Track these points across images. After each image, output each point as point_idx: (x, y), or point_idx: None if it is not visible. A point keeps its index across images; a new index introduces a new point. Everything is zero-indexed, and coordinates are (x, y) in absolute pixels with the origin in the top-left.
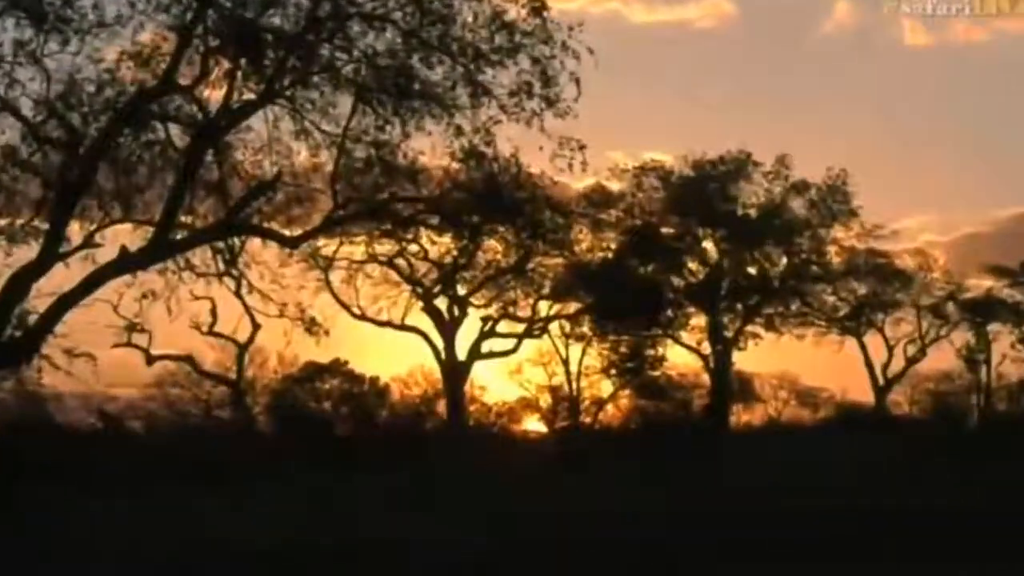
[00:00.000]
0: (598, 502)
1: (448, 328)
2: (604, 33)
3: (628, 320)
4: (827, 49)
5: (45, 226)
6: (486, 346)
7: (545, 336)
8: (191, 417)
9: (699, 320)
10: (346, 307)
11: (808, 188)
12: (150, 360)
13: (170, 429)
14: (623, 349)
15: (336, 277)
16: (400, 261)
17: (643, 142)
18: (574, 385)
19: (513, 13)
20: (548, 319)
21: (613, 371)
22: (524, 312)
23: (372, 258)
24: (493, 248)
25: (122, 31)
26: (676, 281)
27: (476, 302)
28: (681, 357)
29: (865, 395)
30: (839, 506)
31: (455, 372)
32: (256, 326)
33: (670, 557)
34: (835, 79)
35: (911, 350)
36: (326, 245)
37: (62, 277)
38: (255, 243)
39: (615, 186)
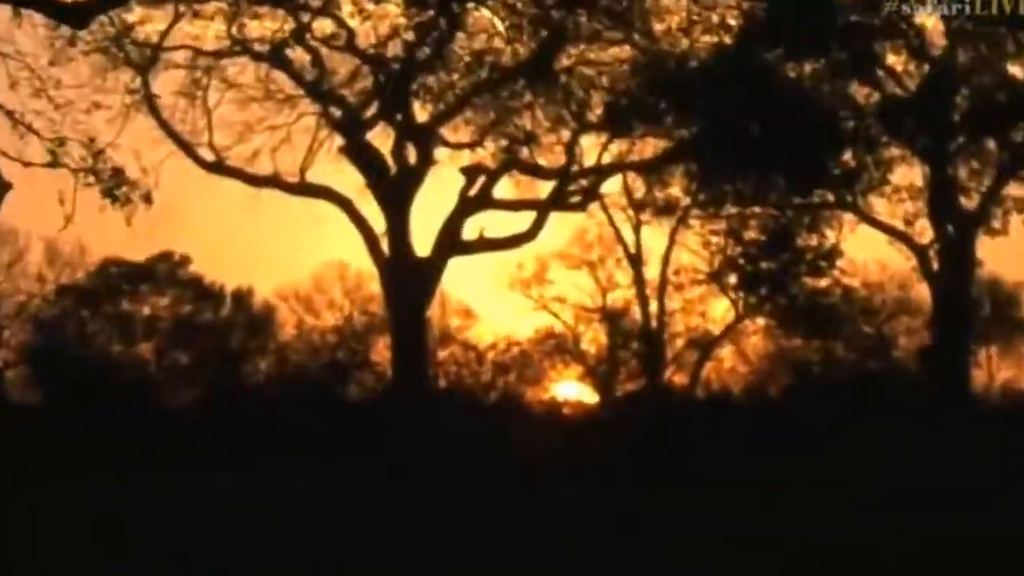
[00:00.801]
0: None
1: (394, 189)
2: None
3: (766, 175)
4: None
5: None
6: (471, 227)
7: (593, 207)
8: None
9: (910, 173)
10: (187, 147)
11: None
12: None
13: None
14: (754, 234)
15: (167, 84)
16: (295, 52)
17: None
18: (652, 308)
19: None
20: (600, 171)
21: (734, 280)
22: (549, 158)
23: (240, 46)
24: (483, 24)
25: None
26: (862, 94)
27: (452, 136)
28: (872, 249)
29: None
30: None
31: (408, 279)
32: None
33: None
34: None
35: None
36: (146, 21)
37: None
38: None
39: None
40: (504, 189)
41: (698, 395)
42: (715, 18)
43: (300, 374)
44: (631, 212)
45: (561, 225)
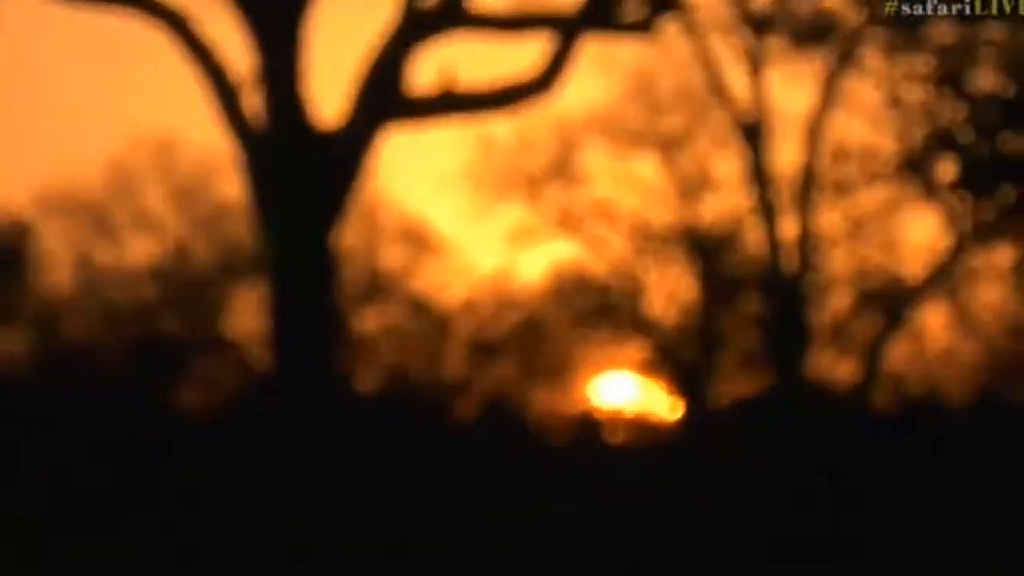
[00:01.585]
0: None
1: None
2: None
3: None
4: None
5: None
6: (428, 68)
7: (667, 27)
8: None
9: None
10: None
11: None
12: None
13: None
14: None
15: None
16: None
17: None
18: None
19: None
20: None
21: (950, 174)
22: None
23: None
24: None
25: None
26: None
27: None
28: None
29: None
30: None
31: (301, 170)
32: None
33: None
34: None
35: None
36: None
37: None
38: None
39: None
40: None
41: (878, 404)
42: None
43: (80, 358)
44: (746, 34)
45: (603, 68)
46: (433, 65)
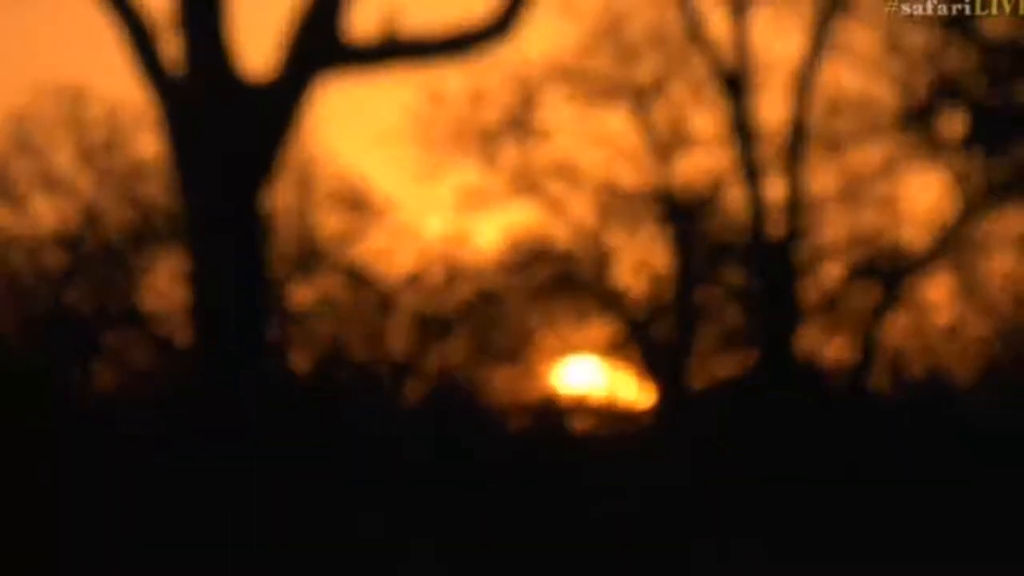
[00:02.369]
0: None
1: None
2: None
3: None
4: None
5: None
6: (368, 11)
7: None
8: None
9: None
10: None
11: None
12: None
13: None
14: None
15: None
16: None
17: None
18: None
19: None
20: None
21: (956, 128)
22: None
23: None
24: None
25: None
26: None
27: None
28: None
29: None
30: None
31: (227, 125)
32: None
33: None
34: None
35: None
36: None
37: None
38: None
39: None
40: None
41: (876, 385)
42: None
43: None
44: None
45: (565, 10)
46: (374, 7)
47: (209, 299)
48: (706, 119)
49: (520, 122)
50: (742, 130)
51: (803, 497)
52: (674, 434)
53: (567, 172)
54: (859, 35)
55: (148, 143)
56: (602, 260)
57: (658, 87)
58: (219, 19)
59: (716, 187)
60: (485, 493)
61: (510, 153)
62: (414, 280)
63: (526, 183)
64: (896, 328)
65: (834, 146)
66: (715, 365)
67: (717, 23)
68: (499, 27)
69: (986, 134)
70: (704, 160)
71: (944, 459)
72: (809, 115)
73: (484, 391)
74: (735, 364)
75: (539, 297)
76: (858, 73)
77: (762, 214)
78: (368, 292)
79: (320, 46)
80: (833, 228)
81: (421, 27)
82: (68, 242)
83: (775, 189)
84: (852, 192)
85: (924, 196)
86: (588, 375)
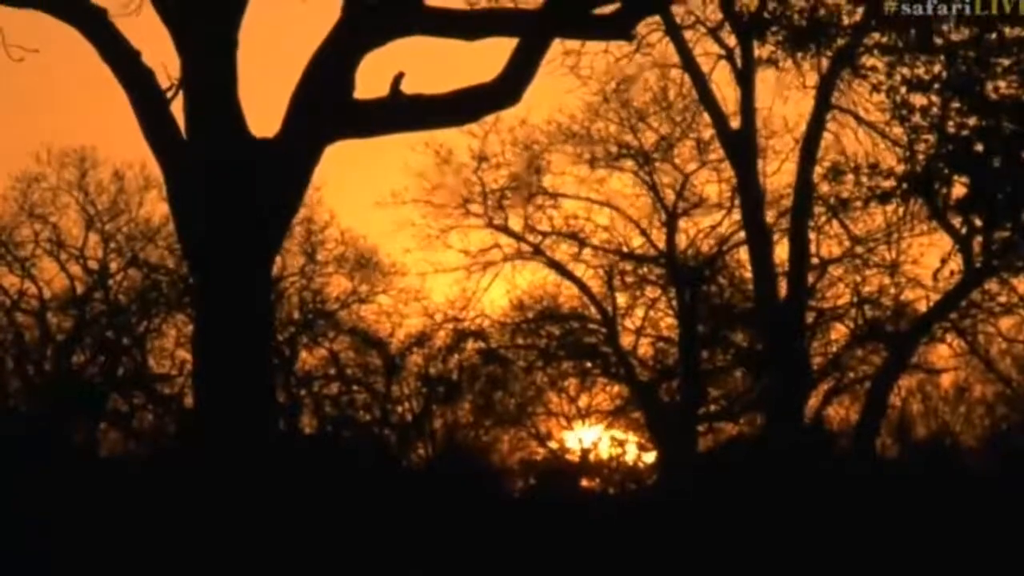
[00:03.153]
0: None
1: None
2: None
3: None
4: None
5: None
6: (375, 74)
7: (648, 28)
8: None
9: None
10: None
11: None
12: None
13: None
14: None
15: None
16: None
17: None
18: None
19: None
20: None
21: (953, 195)
22: None
23: None
24: None
25: None
26: None
27: None
28: None
29: None
30: None
31: (234, 187)
32: None
33: None
34: None
35: None
36: None
37: None
38: None
39: None
40: None
41: (883, 446)
42: None
43: None
44: (729, 32)
45: (573, 74)
46: (383, 70)
47: (215, 362)
48: (712, 182)
49: (527, 183)
50: (748, 192)
51: (809, 555)
52: (680, 496)
53: (574, 233)
54: (864, 99)
55: (155, 206)
56: (608, 321)
57: (664, 149)
58: (227, 81)
59: (722, 250)
60: (490, 554)
61: (517, 214)
62: (421, 341)
63: (532, 245)
64: (902, 390)
65: (839, 209)
66: (720, 427)
67: (722, 86)
68: (506, 89)
69: (988, 200)
70: (710, 222)
71: (950, 518)
72: (814, 178)
73: (490, 452)
74: (741, 426)
75: (545, 358)
76: (863, 137)
77: (768, 277)
78: (375, 354)
79: (329, 106)
80: (838, 291)
81: (429, 88)
82: (74, 304)
83: (781, 251)
84: (857, 254)
85: (929, 259)
86: (595, 434)
